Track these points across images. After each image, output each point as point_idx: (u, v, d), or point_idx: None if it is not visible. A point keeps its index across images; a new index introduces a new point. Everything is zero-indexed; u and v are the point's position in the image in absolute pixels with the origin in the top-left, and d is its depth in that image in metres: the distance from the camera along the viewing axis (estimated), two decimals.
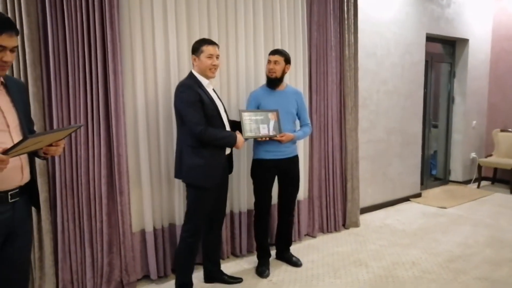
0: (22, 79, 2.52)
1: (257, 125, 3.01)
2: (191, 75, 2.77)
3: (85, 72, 2.73)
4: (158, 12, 2.99)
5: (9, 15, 2.45)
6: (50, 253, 2.68)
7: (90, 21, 2.70)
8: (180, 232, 2.91)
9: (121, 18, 2.85)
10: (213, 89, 2.91)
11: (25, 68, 2.52)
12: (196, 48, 2.74)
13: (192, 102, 2.62)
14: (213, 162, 2.73)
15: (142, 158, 3.02)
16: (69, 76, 2.68)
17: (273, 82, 3.19)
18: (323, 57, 3.98)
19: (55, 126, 2.67)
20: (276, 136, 3.06)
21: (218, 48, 2.81)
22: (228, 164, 2.97)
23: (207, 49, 2.70)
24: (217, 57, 2.77)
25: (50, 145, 1.73)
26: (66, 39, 2.65)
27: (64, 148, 2.62)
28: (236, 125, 2.99)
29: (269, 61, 3.17)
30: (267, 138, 3.04)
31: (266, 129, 3.03)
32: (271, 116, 3.08)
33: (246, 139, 2.99)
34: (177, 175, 2.86)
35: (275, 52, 3.19)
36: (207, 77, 2.77)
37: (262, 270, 3.27)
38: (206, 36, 3.20)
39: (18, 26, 2.42)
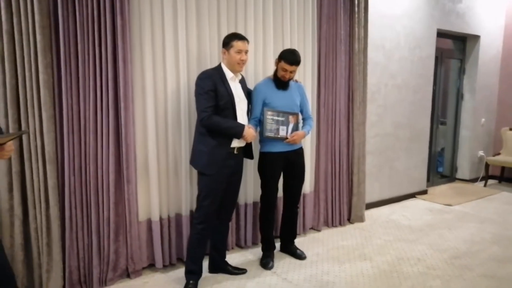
0: (33, 66, 2.52)
1: (277, 125, 3.06)
2: (218, 66, 2.87)
3: (95, 60, 2.74)
4: (168, 2, 2.98)
5: (20, 1, 2.46)
6: (58, 240, 2.71)
7: (100, 9, 2.71)
8: (192, 219, 2.94)
9: (131, 7, 2.85)
10: (242, 82, 2.97)
11: (36, 55, 2.53)
12: (227, 43, 2.80)
13: (205, 90, 2.70)
14: (217, 151, 2.77)
15: (150, 147, 3.03)
16: (79, 64, 2.69)
17: (284, 84, 3.18)
18: (332, 51, 3.95)
19: (64, 114, 2.68)
20: (287, 138, 3.09)
21: (248, 43, 2.85)
22: (246, 152, 3.02)
23: (237, 44, 2.77)
24: (246, 52, 2.83)
25: None
26: (77, 27, 2.65)
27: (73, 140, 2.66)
28: None
29: (284, 69, 3.06)
30: (283, 140, 3.09)
31: (284, 131, 3.09)
32: (292, 119, 3.12)
33: (266, 138, 3.07)
34: (190, 159, 2.95)
35: (292, 62, 3.04)
36: (235, 71, 2.84)
37: (266, 262, 3.28)
38: (215, 29, 3.22)
39: (29, 13, 2.47)
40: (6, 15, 2.45)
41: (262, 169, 3.26)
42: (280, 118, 3.07)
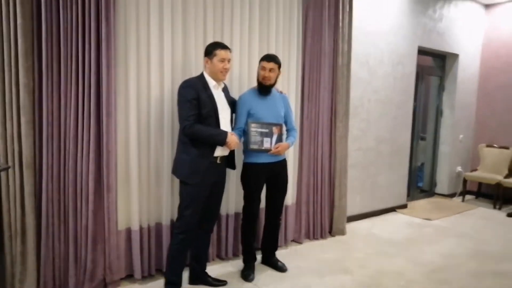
0: (13, 69, 2.47)
1: (261, 137, 3.06)
2: (200, 75, 2.87)
3: (77, 65, 2.69)
4: (154, 10, 2.98)
5: (2, 3, 2.42)
6: (33, 248, 2.63)
7: (85, 13, 2.68)
8: (173, 229, 2.91)
9: (116, 12, 2.83)
10: (225, 91, 2.98)
11: (17, 58, 2.48)
12: (209, 51, 2.81)
13: (188, 99, 2.69)
14: (199, 160, 2.75)
15: (132, 155, 2.99)
16: (61, 68, 2.64)
17: (266, 89, 3.17)
18: (317, 64, 3.99)
19: (44, 119, 2.62)
20: (271, 150, 3.09)
21: (230, 52, 2.87)
22: (229, 161, 3.00)
23: (220, 53, 2.78)
24: (229, 61, 2.84)
25: None
26: (60, 30, 2.61)
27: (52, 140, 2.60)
28: None
29: (263, 68, 3.11)
30: (267, 152, 3.09)
31: (268, 143, 3.09)
32: (275, 130, 3.11)
33: (250, 151, 3.08)
34: (172, 171, 2.92)
35: (270, 59, 3.12)
36: (218, 79, 2.85)
37: (247, 274, 3.25)
38: (201, 38, 3.23)
39: (11, 15, 2.42)
40: None
41: (246, 180, 3.24)
42: (264, 130, 3.07)
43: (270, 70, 3.10)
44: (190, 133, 2.70)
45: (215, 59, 2.78)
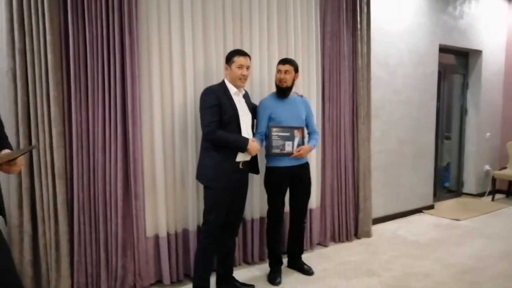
0: (44, 83, 2.59)
1: (283, 141, 3.10)
2: (222, 82, 2.94)
3: (103, 77, 2.80)
4: (175, 22, 3.06)
5: (33, 21, 2.54)
6: (66, 255, 2.72)
7: (109, 27, 2.78)
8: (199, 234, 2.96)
9: (139, 25, 2.92)
10: (246, 97, 3.04)
11: (47, 73, 2.59)
12: (229, 58, 2.88)
13: (209, 105, 2.75)
14: (222, 164, 2.80)
15: (157, 163, 3.07)
16: (88, 81, 2.75)
17: (284, 91, 3.21)
18: (336, 67, 4.01)
19: (74, 130, 2.72)
20: (293, 153, 3.12)
21: (250, 59, 2.92)
22: (252, 166, 3.05)
23: (238, 59, 2.84)
24: (247, 67, 2.89)
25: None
26: (87, 45, 2.72)
27: (82, 152, 2.70)
28: None
29: (279, 71, 3.17)
30: (289, 155, 3.12)
31: (290, 146, 3.12)
32: (297, 133, 3.15)
33: (272, 155, 3.11)
34: (196, 176, 2.98)
35: (285, 61, 3.20)
36: (237, 86, 2.90)
37: (273, 278, 3.27)
38: (221, 45, 3.29)
39: (41, 32, 2.53)
40: (19, 35, 2.53)
41: (269, 184, 3.27)
42: (285, 134, 3.10)
43: (286, 72, 3.15)
44: (212, 139, 2.76)
45: (233, 66, 2.84)
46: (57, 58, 2.62)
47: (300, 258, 3.53)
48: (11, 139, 2.53)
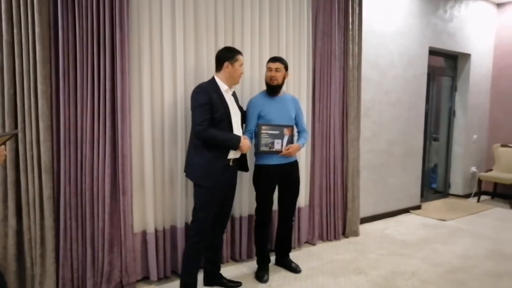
0: (32, 76, 2.55)
1: (272, 139, 3.10)
2: (212, 79, 2.90)
3: (93, 71, 2.77)
4: (167, 17, 3.04)
5: (21, 12, 2.50)
6: (51, 250, 2.69)
7: (100, 21, 2.75)
8: (188, 231, 2.95)
9: (130, 20, 2.90)
10: (234, 95, 3.02)
11: (35, 66, 2.56)
12: (231, 57, 2.86)
13: (200, 103, 2.73)
14: (214, 163, 2.78)
15: (146, 159, 3.05)
16: (77, 75, 2.72)
17: (275, 89, 3.21)
18: (327, 66, 4.02)
19: (62, 125, 2.69)
20: (282, 151, 3.13)
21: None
22: (241, 164, 3.04)
23: (241, 58, 2.89)
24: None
25: None
26: (76, 38, 2.69)
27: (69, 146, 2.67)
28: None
29: (269, 69, 3.18)
30: (278, 153, 3.13)
31: (279, 144, 3.12)
32: (286, 132, 3.15)
33: (260, 153, 3.12)
34: (184, 170, 2.96)
35: (275, 59, 3.21)
36: (234, 83, 2.93)
37: (261, 275, 3.27)
38: (212, 43, 3.28)
39: (29, 24, 2.50)
40: (7, 26, 2.49)
41: (257, 181, 3.27)
42: (274, 132, 3.11)
43: (276, 70, 3.16)
44: (204, 137, 2.74)
45: (236, 64, 2.85)
46: (45, 51, 2.59)
47: (288, 256, 3.54)
48: None
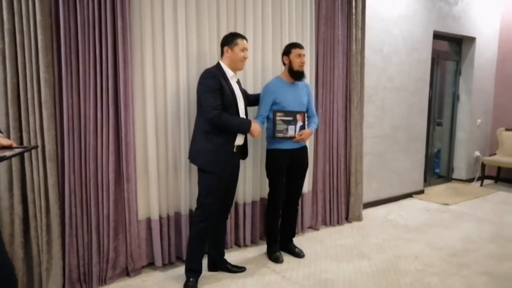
0: (34, 65, 2.55)
1: (286, 125, 3.15)
2: (217, 65, 2.89)
3: (95, 59, 2.76)
4: (168, 3, 3.02)
5: (22, 1, 2.48)
6: (57, 237, 2.72)
7: (101, 9, 2.73)
8: (193, 217, 2.97)
9: (132, 7, 2.88)
10: (238, 82, 3.02)
11: (37, 54, 2.55)
12: (230, 41, 2.86)
13: (212, 89, 2.73)
14: (223, 149, 2.80)
15: (150, 146, 3.06)
16: (80, 63, 2.71)
17: (303, 75, 3.26)
18: (330, 52, 3.99)
19: (65, 113, 2.69)
20: (295, 137, 3.18)
21: (247, 42, 2.94)
22: (242, 151, 3.05)
23: (242, 42, 2.86)
24: (247, 50, 2.93)
25: None
26: (78, 27, 2.67)
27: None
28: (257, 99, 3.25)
29: (299, 55, 3.19)
30: (292, 139, 3.18)
31: (293, 131, 3.18)
32: (299, 118, 3.20)
33: (276, 139, 3.17)
34: (189, 157, 2.96)
35: (301, 46, 3.24)
36: (237, 69, 2.91)
37: (277, 256, 3.36)
38: (214, 29, 3.26)
39: (30, 12, 2.48)
40: (8, 15, 2.47)
41: (270, 166, 3.31)
42: (288, 118, 3.15)
43: (304, 55, 3.23)
44: (218, 122, 2.73)
45: (236, 48, 2.84)
46: (47, 40, 2.58)
47: (292, 241, 3.57)
48: (1, 120, 2.51)
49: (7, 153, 1.75)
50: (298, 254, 3.47)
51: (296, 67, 3.21)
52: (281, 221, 3.53)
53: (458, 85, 6.31)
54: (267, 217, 3.41)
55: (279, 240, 3.56)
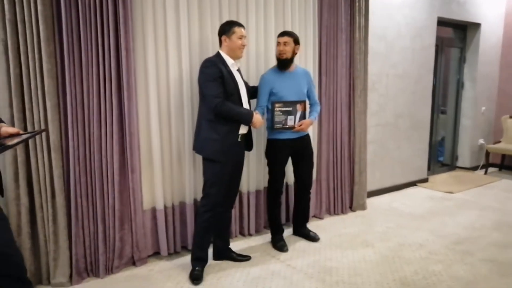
0: (37, 55, 2.54)
1: (285, 116, 3.14)
2: (217, 54, 2.88)
3: (97, 49, 2.74)
4: None
5: None
6: (64, 227, 2.74)
7: None
8: (198, 207, 2.98)
9: None
10: (239, 70, 3.00)
11: (39, 45, 2.54)
12: (227, 29, 2.84)
13: (214, 77, 2.72)
14: (228, 138, 2.80)
15: (153, 136, 3.05)
16: (82, 53, 2.69)
17: (284, 64, 3.21)
18: (333, 39, 3.96)
19: (68, 103, 2.68)
20: (295, 127, 3.18)
21: (245, 29, 2.92)
22: (246, 142, 3.04)
23: (239, 30, 2.84)
24: (245, 37, 2.91)
25: None
26: (79, 16, 2.65)
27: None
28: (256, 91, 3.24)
29: (278, 43, 3.19)
30: (291, 129, 3.19)
31: (292, 121, 3.17)
32: (299, 107, 3.18)
33: (274, 130, 3.16)
34: (194, 148, 2.96)
35: (283, 33, 3.21)
36: (236, 57, 2.89)
37: (281, 245, 3.38)
38: (216, 17, 3.24)
39: (31, 2, 2.46)
40: (9, 5, 2.45)
41: (270, 155, 3.33)
42: (287, 108, 3.14)
43: (284, 43, 3.16)
44: (221, 110, 2.72)
45: (233, 36, 2.82)
46: (49, 29, 2.56)
47: (305, 226, 3.63)
48: (5, 111, 2.51)
49: (17, 139, 1.77)
50: (313, 238, 3.53)
51: (276, 55, 3.21)
52: (294, 207, 3.60)
53: (462, 72, 6.25)
54: (268, 206, 3.43)
55: (294, 225, 3.61)
